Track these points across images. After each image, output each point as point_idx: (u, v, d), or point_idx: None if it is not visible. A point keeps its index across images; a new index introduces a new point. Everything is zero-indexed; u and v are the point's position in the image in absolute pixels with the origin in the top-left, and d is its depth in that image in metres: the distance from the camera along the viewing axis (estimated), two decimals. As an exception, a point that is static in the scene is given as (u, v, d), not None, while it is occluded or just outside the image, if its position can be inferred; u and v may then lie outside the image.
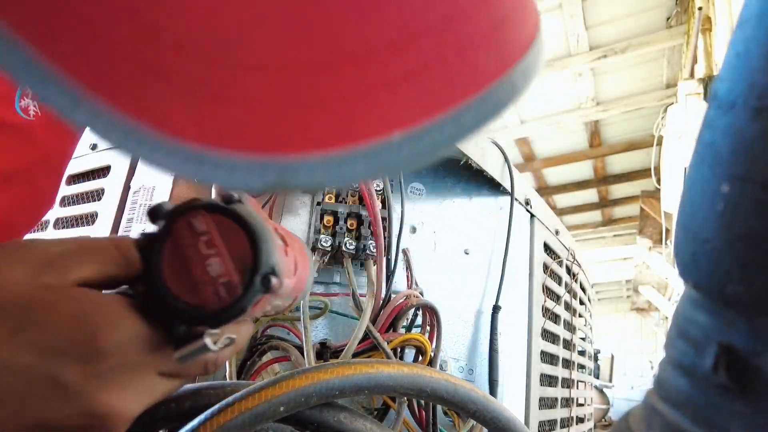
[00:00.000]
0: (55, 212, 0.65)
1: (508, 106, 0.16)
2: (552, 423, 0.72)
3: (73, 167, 0.65)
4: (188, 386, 0.32)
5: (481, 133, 0.16)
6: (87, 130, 0.14)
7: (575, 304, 0.86)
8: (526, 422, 0.60)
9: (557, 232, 0.78)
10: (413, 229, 0.57)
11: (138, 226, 0.53)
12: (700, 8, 2.60)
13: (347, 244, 0.48)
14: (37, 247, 0.25)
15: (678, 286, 3.29)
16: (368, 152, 0.15)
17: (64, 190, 0.66)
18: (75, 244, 0.26)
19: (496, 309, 0.58)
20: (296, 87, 0.14)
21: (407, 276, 0.51)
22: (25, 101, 0.40)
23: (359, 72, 0.14)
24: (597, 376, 4.93)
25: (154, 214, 0.25)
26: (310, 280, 0.35)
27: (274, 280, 0.23)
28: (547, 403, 0.70)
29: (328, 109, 0.15)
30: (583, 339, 0.95)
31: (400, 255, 0.51)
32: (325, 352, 0.44)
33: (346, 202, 0.50)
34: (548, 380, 0.71)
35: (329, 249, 0.48)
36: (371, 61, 0.15)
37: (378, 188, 0.49)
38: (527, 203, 0.68)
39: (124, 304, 0.24)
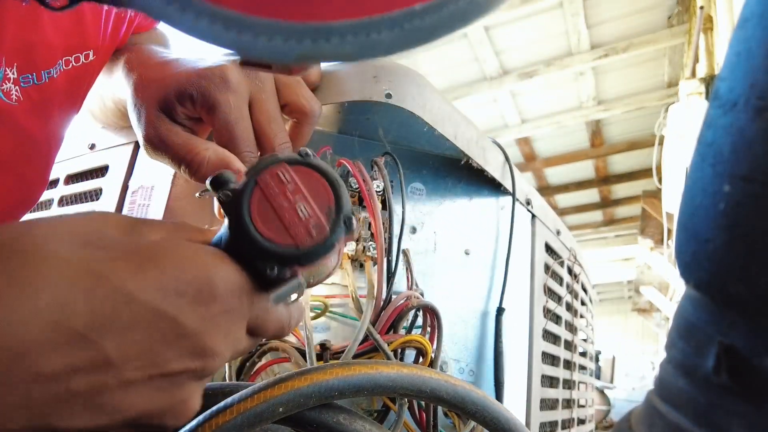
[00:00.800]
0: (53, 212, 0.65)
1: None
2: (553, 424, 0.71)
3: (71, 167, 0.65)
4: (187, 387, 0.32)
5: (488, 12, 0.18)
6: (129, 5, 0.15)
7: (576, 304, 0.86)
8: (527, 423, 0.60)
9: (558, 232, 0.78)
10: (413, 230, 0.57)
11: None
12: (701, 7, 2.60)
13: (347, 245, 0.48)
14: (115, 216, 0.26)
15: (679, 287, 3.28)
16: (394, 19, 0.17)
17: (62, 189, 0.65)
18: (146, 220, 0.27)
19: (500, 311, 0.58)
20: None
21: (407, 277, 0.51)
22: (6, 85, 0.39)
23: None
24: (598, 377, 4.93)
25: (217, 182, 0.27)
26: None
27: (354, 222, 0.27)
28: (548, 405, 0.70)
29: None
30: (584, 340, 0.95)
31: (401, 256, 0.50)
32: (326, 353, 0.44)
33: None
34: (549, 381, 0.71)
35: (329, 249, 0.48)
36: None
37: (378, 189, 0.49)
38: (528, 203, 0.68)
39: (223, 254, 0.26)
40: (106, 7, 0.46)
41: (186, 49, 0.45)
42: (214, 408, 0.29)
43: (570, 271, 0.82)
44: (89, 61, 0.46)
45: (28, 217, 0.65)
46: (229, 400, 0.29)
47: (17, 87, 0.40)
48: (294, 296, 0.28)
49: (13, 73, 0.40)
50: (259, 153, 0.41)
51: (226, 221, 0.27)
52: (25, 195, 0.47)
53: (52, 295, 0.21)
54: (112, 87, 0.48)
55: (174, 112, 0.39)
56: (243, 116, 0.39)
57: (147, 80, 0.40)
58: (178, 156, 0.39)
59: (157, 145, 0.39)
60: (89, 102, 0.54)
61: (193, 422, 0.28)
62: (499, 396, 0.55)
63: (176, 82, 0.38)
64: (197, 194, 0.50)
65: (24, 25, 0.39)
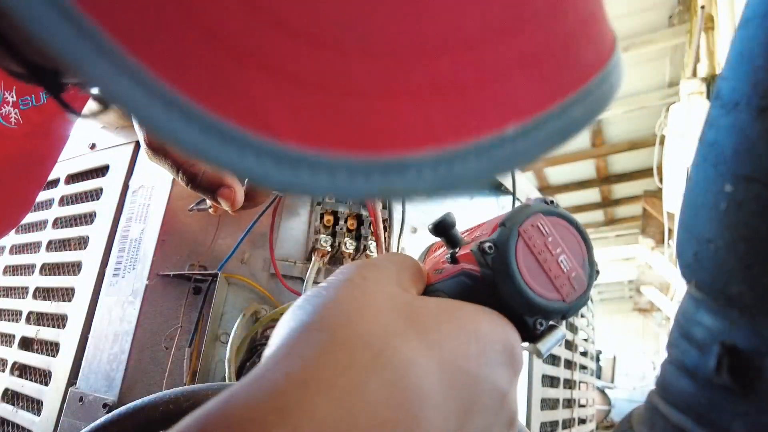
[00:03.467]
0: (54, 212, 0.65)
1: (610, 101, 0.16)
2: (554, 424, 0.71)
3: (72, 167, 0.65)
4: (187, 387, 0.32)
5: (586, 128, 0.16)
6: (148, 123, 0.12)
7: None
8: (528, 423, 0.60)
9: (559, 232, 0.77)
10: (414, 230, 0.57)
11: (137, 225, 0.53)
12: (702, 7, 2.59)
13: (347, 244, 0.48)
14: (386, 267, 0.25)
15: (680, 287, 3.28)
16: (482, 147, 0.14)
17: (62, 189, 0.65)
18: (397, 262, 0.26)
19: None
20: (407, 75, 0.13)
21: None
22: (6, 109, 0.39)
23: (474, 56, 0.13)
24: (599, 377, 4.92)
25: (441, 227, 0.27)
26: None
27: (598, 272, 0.27)
28: (548, 404, 0.70)
29: (440, 100, 0.13)
30: (585, 340, 0.94)
31: (401, 255, 0.50)
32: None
33: (346, 202, 0.50)
34: (550, 381, 0.71)
35: (329, 249, 0.48)
36: (485, 45, 0.14)
37: (379, 188, 0.49)
38: (529, 203, 0.67)
39: (499, 314, 0.25)
40: None
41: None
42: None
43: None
44: None
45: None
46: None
47: (16, 110, 0.40)
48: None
49: (12, 96, 0.39)
50: None
51: (447, 266, 0.27)
52: (17, 210, 0.48)
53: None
54: None
55: None
56: None
57: None
58: (176, 164, 0.39)
59: (158, 150, 0.39)
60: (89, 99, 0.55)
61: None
62: None
63: None
64: (189, 209, 0.50)
65: None
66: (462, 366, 0.20)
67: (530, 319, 0.25)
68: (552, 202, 0.28)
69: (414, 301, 0.23)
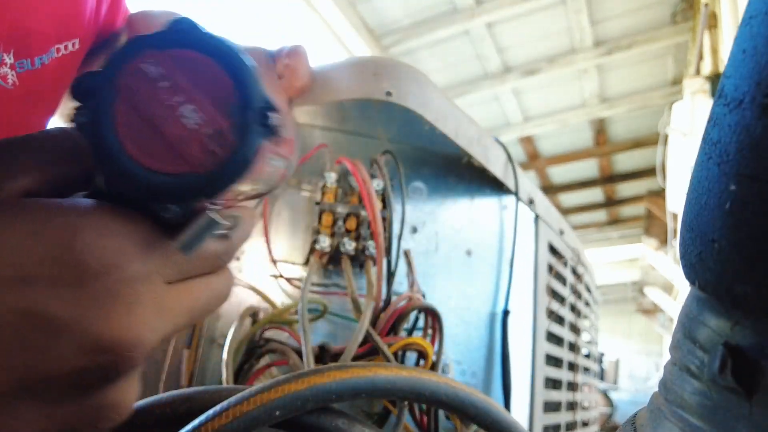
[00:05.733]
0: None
1: None
2: (557, 427, 0.71)
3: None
4: (184, 390, 0.32)
5: None
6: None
7: (580, 305, 0.85)
8: (531, 426, 0.60)
9: (562, 232, 0.77)
10: (414, 230, 0.56)
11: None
12: (705, 4, 2.59)
13: (346, 245, 0.47)
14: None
15: (684, 287, 3.27)
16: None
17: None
18: None
19: (506, 313, 0.57)
20: None
21: (409, 278, 0.50)
22: (3, 69, 0.40)
23: None
24: (602, 379, 4.91)
25: (79, 89, 0.18)
26: (296, 154, 0.29)
27: (272, 115, 0.18)
28: (551, 407, 0.69)
29: None
30: (588, 342, 0.94)
31: (402, 256, 0.50)
32: (324, 355, 0.43)
33: (345, 202, 0.50)
34: (553, 383, 0.70)
35: (327, 250, 0.47)
36: None
37: (378, 188, 0.49)
38: (531, 203, 0.67)
39: (93, 205, 0.19)
40: None
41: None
42: (210, 411, 0.28)
43: (574, 271, 0.82)
44: (75, 49, 0.46)
45: None
46: (224, 403, 0.28)
47: (13, 72, 0.40)
48: (221, 232, 0.21)
49: (9, 58, 0.39)
50: None
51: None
52: None
53: None
54: None
55: None
56: None
57: None
58: None
59: None
60: None
61: (189, 426, 0.28)
62: (507, 401, 0.54)
63: None
64: None
65: (22, 12, 0.39)
66: None
67: (154, 205, 0.18)
68: (183, 24, 0.18)
69: None
